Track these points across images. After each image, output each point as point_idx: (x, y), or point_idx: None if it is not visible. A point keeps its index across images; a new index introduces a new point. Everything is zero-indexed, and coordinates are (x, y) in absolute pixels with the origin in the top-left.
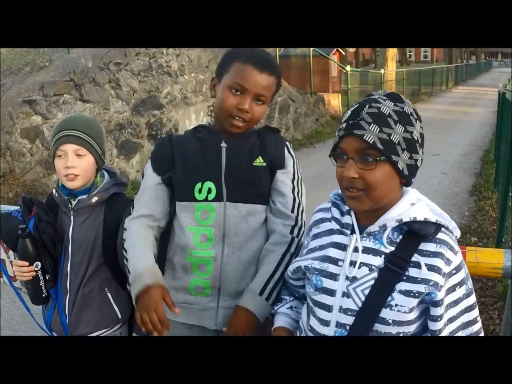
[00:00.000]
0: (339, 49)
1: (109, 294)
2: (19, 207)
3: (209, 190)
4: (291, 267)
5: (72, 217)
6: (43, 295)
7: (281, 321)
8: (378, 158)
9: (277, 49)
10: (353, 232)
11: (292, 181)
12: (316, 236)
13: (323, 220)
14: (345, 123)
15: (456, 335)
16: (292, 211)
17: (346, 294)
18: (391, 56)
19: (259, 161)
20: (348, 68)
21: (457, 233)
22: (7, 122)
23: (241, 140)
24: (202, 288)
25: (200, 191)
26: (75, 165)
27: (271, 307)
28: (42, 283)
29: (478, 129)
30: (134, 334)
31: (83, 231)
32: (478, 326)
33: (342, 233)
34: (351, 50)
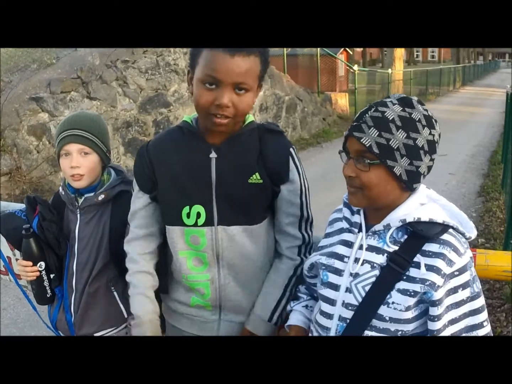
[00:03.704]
0: (347, 49)
1: (115, 293)
2: (23, 206)
3: (198, 215)
4: (306, 264)
5: (78, 215)
6: (48, 295)
7: (295, 319)
8: (371, 162)
9: (284, 48)
10: (360, 230)
11: (300, 197)
12: (328, 235)
13: (336, 220)
14: (351, 124)
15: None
16: (300, 229)
17: (348, 290)
18: (398, 56)
19: (255, 178)
20: (355, 67)
21: (472, 234)
22: (14, 119)
23: (235, 146)
24: (203, 307)
25: (188, 215)
26: (80, 165)
27: (276, 327)
28: (46, 283)
29: (486, 130)
30: None
31: (90, 229)
32: (484, 331)
33: (350, 231)
34: (358, 49)
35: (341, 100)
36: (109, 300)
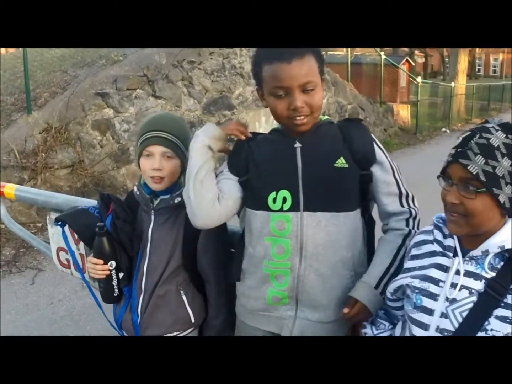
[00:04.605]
0: (409, 59)
1: (184, 297)
2: (96, 203)
3: (284, 200)
4: (391, 287)
5: (152, 216)
6: (115, 294)
7: None
8: (478, 190)
9: (349, 55)
10: (455, 254)
11: (393, 175)
12: (416, 257)
13: (424, 242)
14: (454, 150)
15: None
16: (403, 205)
17: (444, 315)
18: (462, 69)
19: (341, 162)
20: (419, 79)
21: None
22: (79, 113)
23: (318, 135)
24: (279, 299)
25: (274, 200)
26: (162, 168)
27: (382, 301)
28: (115, 282)
29: None
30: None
31: (163, 231)
32: None
33: (444, 255)
34: (420, 60)
35: (403, 112)
36: (178, 303)
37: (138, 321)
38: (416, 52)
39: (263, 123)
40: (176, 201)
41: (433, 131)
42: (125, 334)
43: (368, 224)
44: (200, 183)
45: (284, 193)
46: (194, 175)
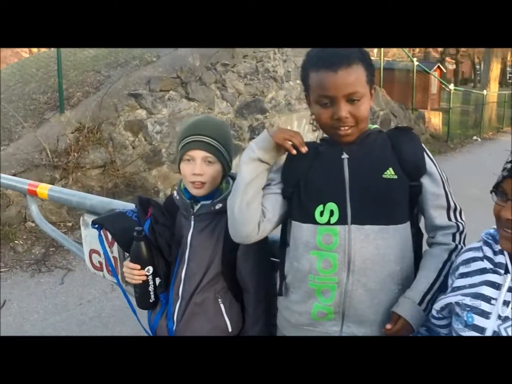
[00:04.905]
0: (440, 66)
1: (222, 306)
2: (133, 207)
3: (331, 213)
4: (438, 305)
5: (192, 222)
6: (150, 300)
7: None
8: None
9: (381, 60)
10: (507, 271)
11: (443, 187)
12: (466, 274)
13: (474, 259)
14: (510, 164)
15: None
16: (450, 219)
17: (496, 333)
18: (494, 76)
19: (390, 173)
20: (451, 86)
21: None
22: (112, 114)
23: (365, 146)
24: (325, 314)
25: (321, 213)
26: (204, 173)
27: (425, 317)
28: (151, 288)
29: None
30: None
31: (203, 238)
32: None
33: (495, 272)
34: (451, 67)
35: (435, 119)
36: (215, 311)
37: (174, 328)
38: (447, 59)
39: (295, 127)
40: (217, 207)
41: (464, 139)
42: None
43: (416, 235)
44: (247, 204)
45: (332, 206)
46: (241, 193)
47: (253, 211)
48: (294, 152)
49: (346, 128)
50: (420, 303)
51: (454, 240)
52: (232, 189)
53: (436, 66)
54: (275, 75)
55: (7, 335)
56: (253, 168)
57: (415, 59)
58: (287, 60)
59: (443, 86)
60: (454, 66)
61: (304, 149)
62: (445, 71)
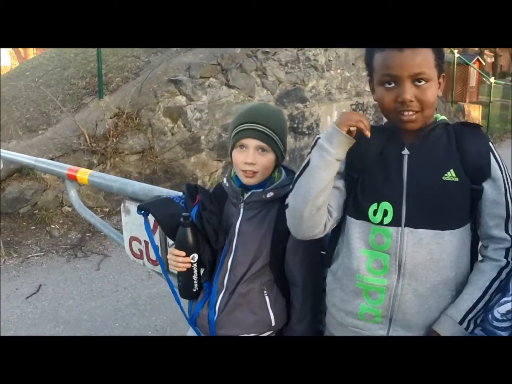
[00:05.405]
0: (479, 59)
1: (267, 298)
2: (181, 194)
3: (385, 213)
4: (503, 308)
5: (241, 210)
6: (194, 290)
7: None
8: None
9: None
10: None
11: (506, 195)
12: None
13: None
14: None
15: None
16: (507, 231)
17: None
18: None
19: (451, 175)
20: (492, 79)
21: None
22: (151, 100)
23: (428, 141)
24: (373, 316)
25: (375, 212)
26: (256, 162)
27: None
28: (195, 276)
29: None
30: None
31: (252, 226)
32: None
33: None
34: (490, 60)
35: (474, 112)
36: (259, 304)
37: (215, 318)
38: (486, 51)
39: (334, 117)
40: (268, 195)
41: (503, 133)
42: (198, 330)
43: (474, 239)
44: (317, 209)
45: (386, 205)
46: (313, 198)
47: (322, 213)
48: (368, 133)
49: (411, 113)
50: (461, 322)
51: (506, 256)
52: (296, 187)
53: (475, 59)
54: (316, 64)
55: (43, 321)
56: (329, 172)
57: (455, 51)
58: (328, 49)
59: (484, 79)
60: (493, 59)
61: (369, 134)
62: (484, 64)
